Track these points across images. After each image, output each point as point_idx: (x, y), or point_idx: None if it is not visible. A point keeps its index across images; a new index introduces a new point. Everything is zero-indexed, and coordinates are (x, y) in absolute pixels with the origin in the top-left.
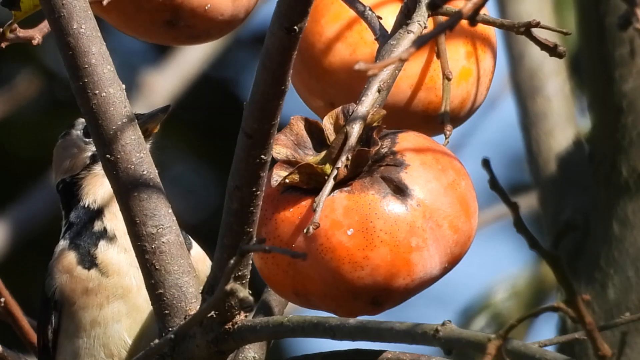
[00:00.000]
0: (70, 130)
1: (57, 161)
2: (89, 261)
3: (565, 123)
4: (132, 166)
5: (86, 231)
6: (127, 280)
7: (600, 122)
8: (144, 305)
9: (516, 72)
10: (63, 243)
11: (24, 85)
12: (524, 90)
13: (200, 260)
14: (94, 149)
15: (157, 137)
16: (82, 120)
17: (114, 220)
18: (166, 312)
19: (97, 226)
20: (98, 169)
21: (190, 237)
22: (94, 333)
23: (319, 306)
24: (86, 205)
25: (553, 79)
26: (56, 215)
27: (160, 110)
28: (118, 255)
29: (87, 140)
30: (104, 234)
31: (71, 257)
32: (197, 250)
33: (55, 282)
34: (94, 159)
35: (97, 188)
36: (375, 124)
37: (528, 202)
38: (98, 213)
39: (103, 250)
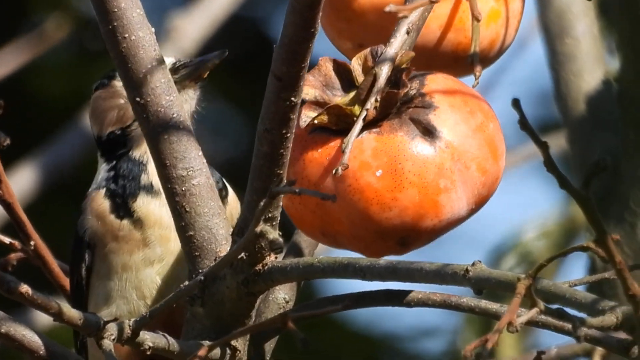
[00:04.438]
0: (112, 80)
1: (101, 112)
2: (124, 211)
3: (593, 64)
4: (162, 109)
5: (129, 182)
6: (167, 231)
7: (629, 62)
8: (177, 250)
9: (545, 13)
10: (99, 188)
11: (53, 29)
12: (552, 31)
13: (235, 208)
14: None
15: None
16: None
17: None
18: (196, 254)
19: (144, 180)
20: None
21: (224, 181)
22: (126, 276)
23: (347, 247)
24: (136, 158)
25: (581, 19)
26: (85, 160)
27: (216, 56)
28: (160, 208)
29: None
30: (149, 188)
31: (105, 205)
32: (232, 196)
33: (87, 224)
34: None
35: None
36: (404, 66)
37: (557, 143)
38: (146, 167)
39: (144, 203)
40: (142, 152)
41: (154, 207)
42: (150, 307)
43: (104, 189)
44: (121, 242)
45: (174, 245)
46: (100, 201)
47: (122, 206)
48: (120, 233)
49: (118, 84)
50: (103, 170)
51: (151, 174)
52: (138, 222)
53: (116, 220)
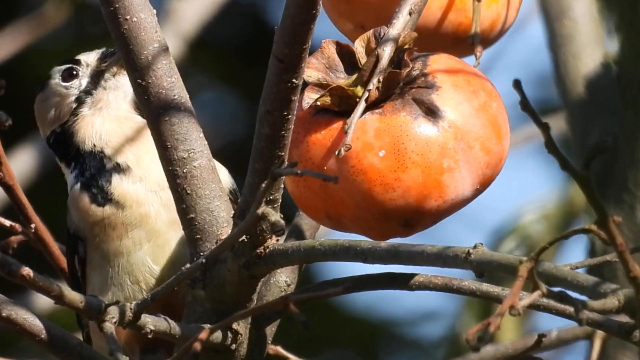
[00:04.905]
0: (47, 81)
1: (41, 115)
2: (103, 197)
3: (592, 45)
4: (164, 91)
5: (97, 171)
6: (145, 208)
7: (628, 44)
8: (163, 228)
9: None
10: (75, 186)
11: (52, 12)
12: (551, 13)
13: None
14: (76, 92)
15: (186, 63)
16: (59, 68)
17: (122, 154)
18: (197, 236)
19: (108, 163)
20: (86, 110)
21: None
22: (118, 262)
23: (351, 228)
24: (88, 150)
25: (580, 1)
26: None
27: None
28: (134, 185)
29: (66, 84)
30: (117, 168)
31: (85, 198)
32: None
33: (74, 220)
34: (79, 101)
35: (91, 130)
36: (406, 47)
37: (556, 124)
38: (102, 152)
39: (118, 184)
40: (91, 142)
41: (127, 186)
42: (144, 291)
43: (78, 184)
44: (108, 230)
45: (157, 223)
46: (78, 196)
47: (100, 194)
48: (105, 221)
49: (53, 82)
50: (68, 173)
51: (114, 155)
52: (118, 205)
53: (98, 208)
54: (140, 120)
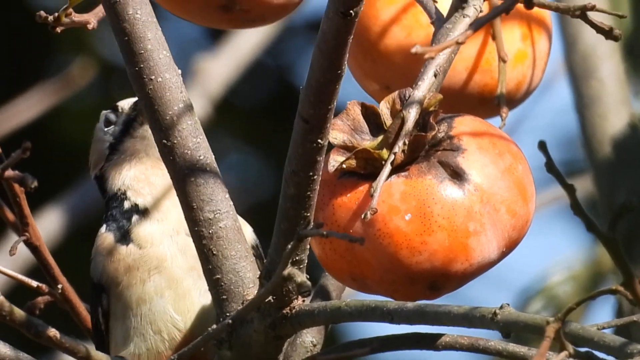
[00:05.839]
0: (99, 122)
1: (89, 158)
2: (126, 238)
3: (619, 106)
4: (189, 151)
5: (119, 212)
6: (160, 250)
7: None
8: (181, 276)
9: (570, 55)
10: (101, 229)
11: (78, 74)
12: (577, 73)
13: None
14: (110, 138)
15: (212, 123)
16: (104, 112)
17: (141, 196)
18: (224, 297)
19: (127, 205)
20: (116, 157)
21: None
22: (141, 311)
23: (376, 290)
24: (115, 194)
25: (607, 61)
26: None
27: None
28: (151, 226)
29: (106, 130)
30: (135, 209)
31: (109, 238)
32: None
33: (99, 266)
34: (111, 149)
35: (119, 176)
36: (432, 109)
37: (583, 185)
38: (125, 194)
39: (136, 224)
40: (117, 187)
41: (143, 226)
42: (166, 342)
43: (104, 226)
44: (133, 271)
45: (173, 267)
46: (104, 237)
47: (122, 233)
48: (129, 260)
49: (98, 126)
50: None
51: (133, 196)
52: (137, 245)
53: (122, 247)
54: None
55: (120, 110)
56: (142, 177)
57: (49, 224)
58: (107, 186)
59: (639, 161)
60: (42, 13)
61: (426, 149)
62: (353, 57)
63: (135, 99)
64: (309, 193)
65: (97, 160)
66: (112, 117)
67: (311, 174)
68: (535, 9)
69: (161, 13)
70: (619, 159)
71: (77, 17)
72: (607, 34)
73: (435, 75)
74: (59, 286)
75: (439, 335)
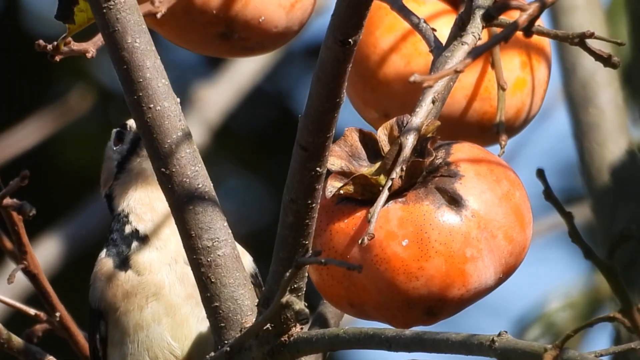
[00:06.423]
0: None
1: (101, 175)
2: (125, 264)
3: (617, 133)
4: (188, 179)
5: (119, 236)
6: (158, 277)
7: None
8: (179, 303)
9: (568, 82)
10: (101, 253)
11: (77, 101)
12: (576, 101)
13: None
14: (119, 157)
15: (210, 151)
16: (115, 130)
17: (143, 222)
18: (222, 324)
19: (128, 229)
20: (124, 176)
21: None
22: (138, 338)
23: (374, 317)
24: (119, 215)
25: (605, 89)
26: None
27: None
28: (150, 253)
29: (115, 148)
30: (135, 235)
31: (109, 263)
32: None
33: (97, 291)
34: (120, 167)
35: (124, 196)
36: (429, 135)
37: (581, 213)
38: (127, 218)
39: (135, 251)
40: (121, 208)
41: (142, 254)
42: None
43: (104, 250)
44: (131, 297)
45: (171, 295)
46: (103, 262)
47: (123, 260)
48: (128, 286)
49: (108, 144)
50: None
51: (135, 222)
52: (137, 272)
53: (121, 273)
54: None
55: (128, 129)
56: (146, 201)
57: (47, 252)
58: (113, 205)
59: (637, 189)
60: (41, 42)
61: (424, 175)
62: (352, 85)
63: None
64: (307, 221)
65: (107, 178)
66: (121, 135)
67: (310, 202)
68: (535, 37)
69: (159, 41)
70: (618, 187)
71: (76, 46)
72: (606, 61)
73: (433, 102)
74: (57, 314)
75: None
